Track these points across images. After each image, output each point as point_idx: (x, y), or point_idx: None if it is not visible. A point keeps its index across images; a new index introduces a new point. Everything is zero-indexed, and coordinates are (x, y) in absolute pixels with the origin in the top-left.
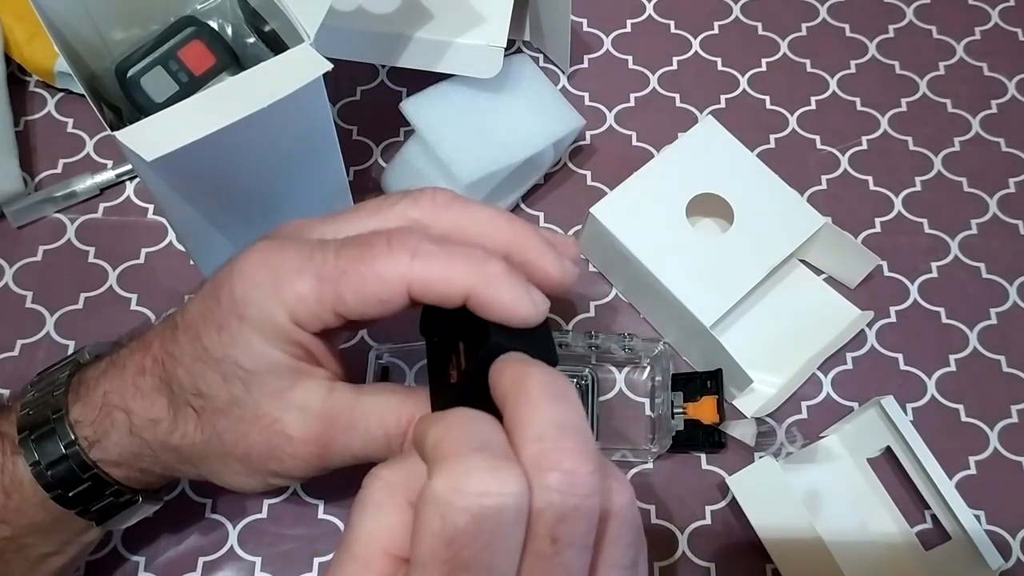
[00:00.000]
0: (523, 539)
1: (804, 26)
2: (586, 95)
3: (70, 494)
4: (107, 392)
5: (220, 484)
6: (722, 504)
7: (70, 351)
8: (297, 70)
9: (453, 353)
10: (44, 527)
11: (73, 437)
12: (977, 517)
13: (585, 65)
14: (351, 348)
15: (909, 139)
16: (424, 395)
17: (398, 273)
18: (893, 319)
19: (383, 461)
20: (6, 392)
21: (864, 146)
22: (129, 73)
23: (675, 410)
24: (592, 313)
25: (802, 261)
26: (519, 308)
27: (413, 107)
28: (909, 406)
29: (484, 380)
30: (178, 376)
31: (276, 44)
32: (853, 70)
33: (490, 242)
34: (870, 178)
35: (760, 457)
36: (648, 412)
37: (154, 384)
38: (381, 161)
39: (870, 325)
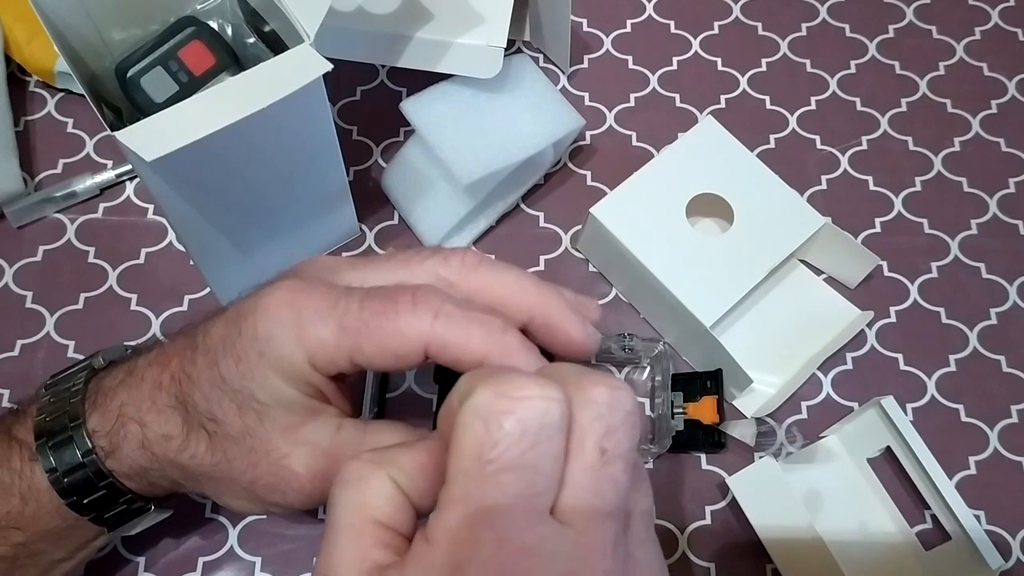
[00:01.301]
0: (564, 449)
1: (804, 26)
2: (586, 95)
3: (85, 501)
4: (123, 403)
5: (220, 504)
6: (722, 504)
7: (70, 351)
8: (297, 70)
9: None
10: (58, 533)
11: (90, 446)
12: (977, 517)
13: (585, 65)
14: None
15: (909, 139)
16: (427, 434)
17: (419, 332)
18: (893, 319)
19: None
20: (6, 392)
21: (864, 146)
22: (129, 73)
23: (675, 410)
24: None
25: (802, 261)
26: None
27: (413, 107)
28: (909, 406)
29: None
30: (194, 399)
31: (276, 44)
32: (853, 70)
33: (515, 304)
34: (870, 178)
35: (760, 457)
36: (648, 412)
37: (170, 401)
38: (381, 161)
39: (870, 325)
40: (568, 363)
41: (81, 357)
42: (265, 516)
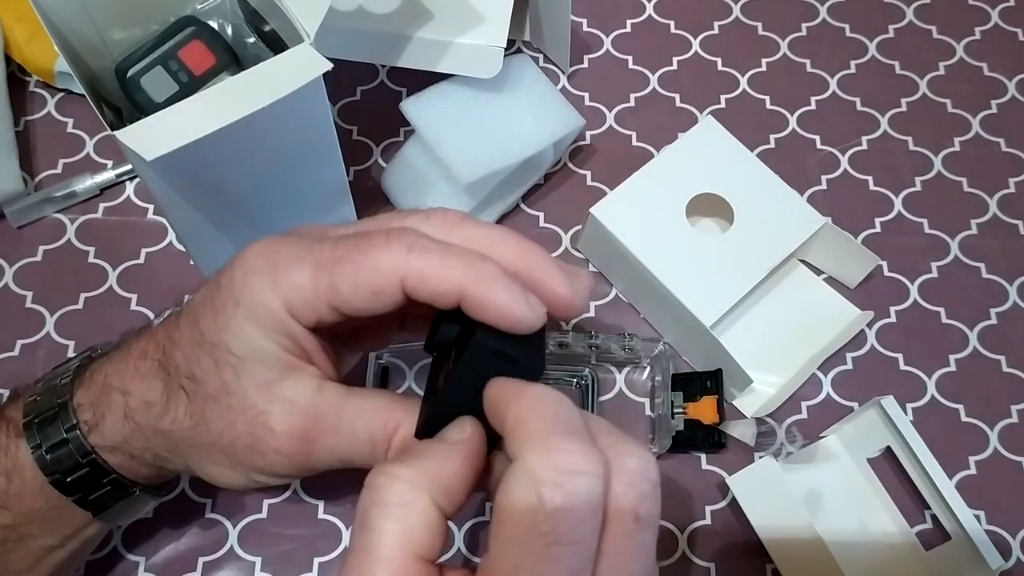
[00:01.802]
0: (603, 519)
1: (804, 26)
2: (586, 95)
3: (68, 479)
4: (108, 374)
5: (205, 478)
6: (722, 504)
7: (70, 351)
8: (297, 70)
9: (446, 361)
10: (44, 515)
11: (74, 421)
12: (977, 517)
13: (585, 65)
14: None
15: (909, 139)
16: (414, 403)
17: (393, 265)
18: (893, 319)
19: (368, 466)
20: (6, 392)
21: (864, 146)
22: (129, 73)
23: (675, 410)
24: (592, 313)
25: (802, 261)
26: (514, 309)
27: (413, 107)
28: (909, 406)
29: (470, 380)
30: (175, 360)
31: (276, 44)
32: (853, 70)
33: (498, 259)
34: (870, 178)
35: (760, 457)
36: (648, 412)
37: (153, 367)
38: (381, 161)
39: (870, 325)
40: (599, 420)
41: None
42: (258, 513)
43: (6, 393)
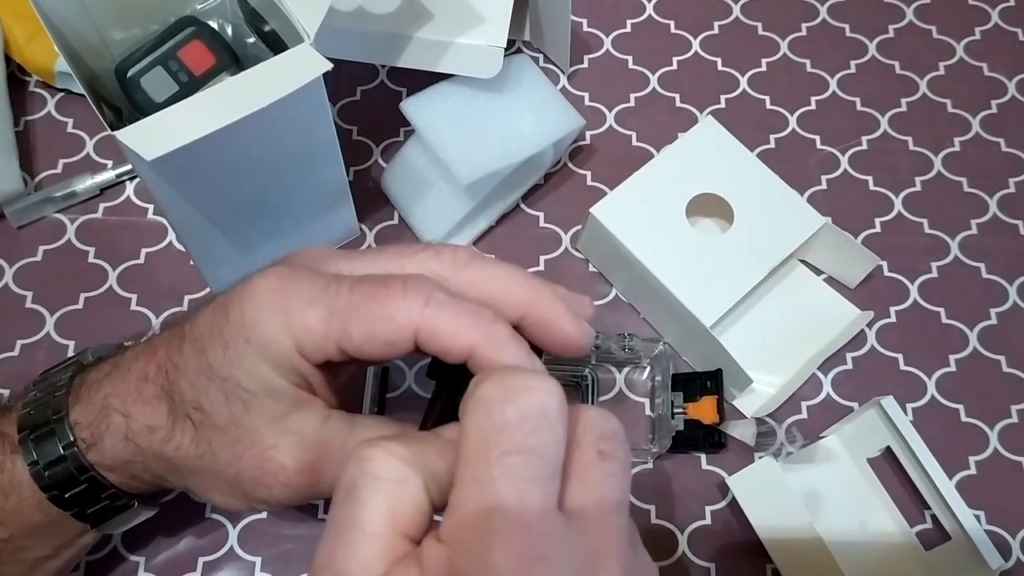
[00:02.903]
0: (564, 441)
1: (804, 26)
2: (586, 95)
3: (66, 495)
4: (108, 395)
5: (204, 500)
6: (722, 504)
7: (70, 351)
8: (297, 70)
9: (439, 401)
10: (41, 529)
11: (72, 438)
12: (977, 517)
13: (585, 65)
14: None
15: (909, 139)
16: (414, 430)
17: (409, 318)
18: (893, 319)
19: None
20: (6, 392)
21: (864, 146)
22: (129, 73)
23: (675, 410)
24: None
25: (802, 261)
26: (518, 359)
27: (413, 107)
28: (909, 406)
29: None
30: (180, 388)
31: (276, 44)
32: (853, 70)
33: (508, 300)
34: (870, 178)
35: (760, 457)
36: (648, 412)
37: (156, 392)
38: (381, 161)
39: (870, 325)
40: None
41: None
42: (257, 513)
43: (7, 393)
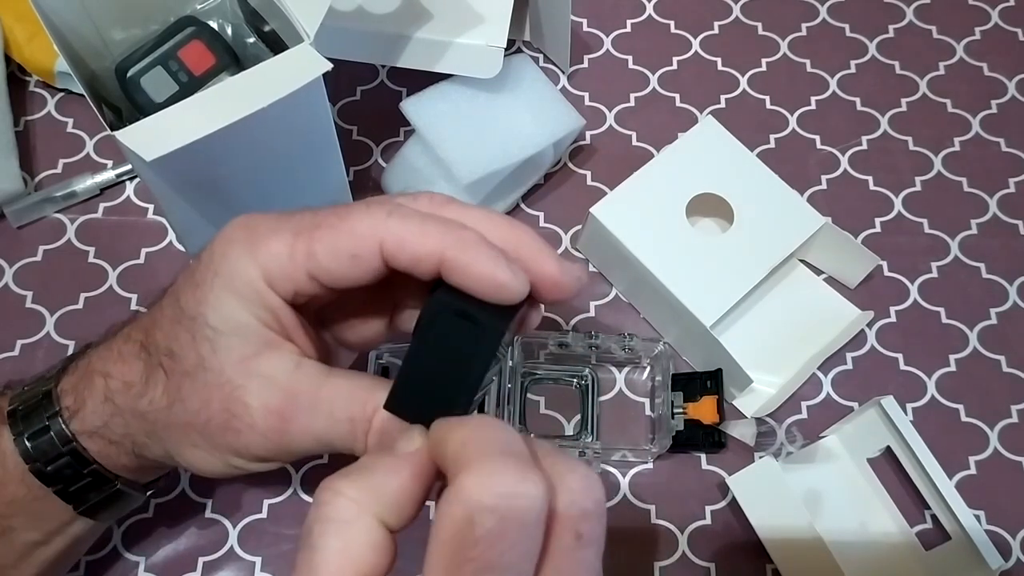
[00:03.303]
0: (541, 543)
1: (804, 26)
2: (586, 95)
3: (48, 468)
4: (92, 360)
5: (183, 464)
6: (722, 504)
7: (70, 351)
8: (297, 70)
9: (408, 361)
10: (26, 507)
11: (57, 408)
12: (977, 517)
13: (585, 65)
14: None
15: (909, 139)
16: None
17: (373, 228)
18: (893, 319)
19: (347, 450)
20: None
21: (864, 146)
22: (129, 73)
23: (675, 410)
24: (592, 313)
25: (802, 261)
26: (497, 274)
27: (413, 107)
28: (909, 406)
29: (432, 342)
30: (156, 338)
31: (276, 44)
32: (853, 70)
33: (490, 230)
34: (870, 178)
35: (760, 457)
36: (648, 412)
37: (134, 349)
38: (381, 161)
39: (870, 325)
40: (541, 442)
41: None
42: (265, 513)
43: None
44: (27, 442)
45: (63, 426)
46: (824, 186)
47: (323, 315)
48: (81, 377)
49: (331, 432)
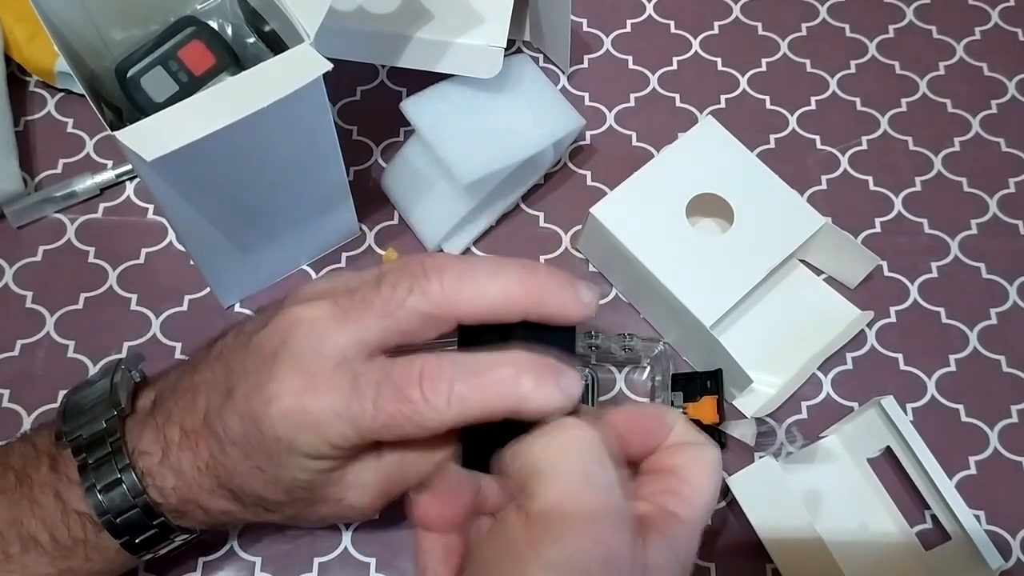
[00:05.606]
0: None
1: (804, 26)
2: (586, 95)
3: (137, 540)
4: (176, 487)
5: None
6: (722, 504)
7: (70, 351)
8: (297, 70)
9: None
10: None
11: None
12: (977, 517)
13: (585, 65)
14: None
15: (909, 139)
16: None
17: (438, 424)
18: (893, 319)
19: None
20: (6, 392)
21: (864, 146)
22: (129, 73)
23: None
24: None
25: (802, 261)
26: (552, 401)
27: (413, 107)
28: (909, 406)
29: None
30: (237, 484)
31: (276, 44)
32: (853, 70)
33: (508, 311)
34: (870, 178)
35: (760, 457)
36: None
37: (212, 486)
38: (381, 161)
39: (870, 325)
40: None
41: (81, 357)
42: None
43: (7, 393)
44: (127, 540)
45: (170, 527)
46: (824, 186)
47: None
48: (176, 503)
49: (420, 479)
